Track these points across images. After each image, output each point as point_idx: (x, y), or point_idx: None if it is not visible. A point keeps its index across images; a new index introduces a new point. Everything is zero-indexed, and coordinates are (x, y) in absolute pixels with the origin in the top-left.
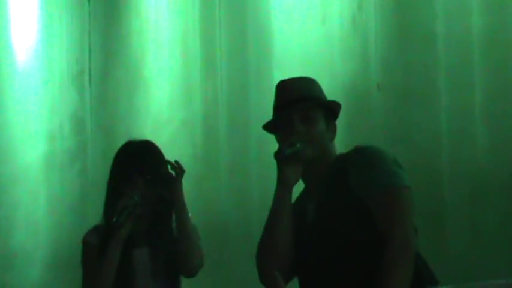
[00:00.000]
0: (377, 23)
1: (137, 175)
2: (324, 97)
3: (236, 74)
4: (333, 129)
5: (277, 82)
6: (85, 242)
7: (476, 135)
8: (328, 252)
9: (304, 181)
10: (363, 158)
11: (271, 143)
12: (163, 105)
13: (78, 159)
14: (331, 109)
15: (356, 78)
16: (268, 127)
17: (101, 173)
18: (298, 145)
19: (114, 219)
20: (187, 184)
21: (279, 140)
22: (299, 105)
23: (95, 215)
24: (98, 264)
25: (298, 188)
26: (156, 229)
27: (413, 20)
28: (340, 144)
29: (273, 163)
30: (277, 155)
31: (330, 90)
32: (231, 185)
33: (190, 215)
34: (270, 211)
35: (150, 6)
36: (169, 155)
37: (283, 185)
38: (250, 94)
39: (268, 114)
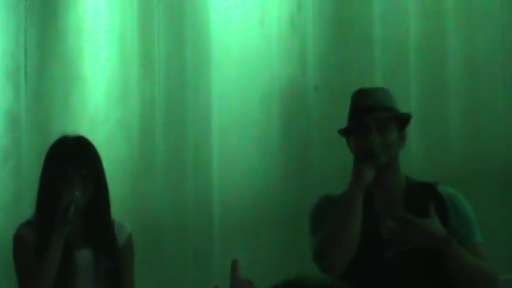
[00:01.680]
0: (315, 24)
1: (72, 170)
2: (398, 107)
3: (173, 74)
4: (403, 139)
5: (214, 82)
6: (18, 237)
7: (410, 138)
8: (410, 273)
9: (370, 188)
10: (464, 208)
11: (207, 144)
12: (100, 104)
13: (12, 157)
14: (404, 119)
15: (294, 80)
16: (342, 131)
17: (35, 171)
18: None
19: (61, 216)
20: (122, 182)
21: (351, 143)
22: (377, 113)
23: (28, 212)
24: (36, 262)
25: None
26: (96, 229)
27: (351, 22)
28: (277, 145)
29: (208, 163)
30: (368, 155)
31: (267, 91)
32: (166, 184)
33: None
34: (341, 209)
35: (88, 3)
36: (106, 154)
37: (358, 183)
38: (188, 94)
39: (204, 114)
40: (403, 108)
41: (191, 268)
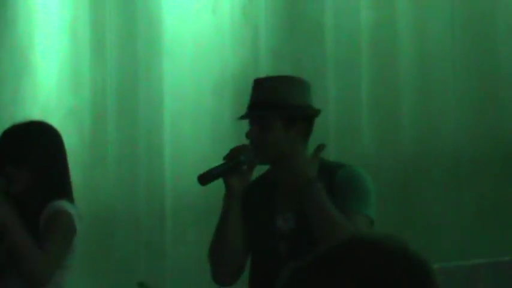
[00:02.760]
0: (267, 14)
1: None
2: (295, 98)
3: (125, 62)
4: (296, 132)
5: (166, 71)
6: None
7: (362, 126)
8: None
9: (276, 183)
10: (349, 183)
11: (159, 133)
12: (51, 91)
13: None
14: (296, 113)
15: (246, 69)
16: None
17: None
18: (241, 157)
19: None
20: (74, 172)
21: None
22: (253, 111)
23: None
24: None
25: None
26: (27, 217)
27: (303, 12)
28: (229, 134)
29: (161, 152)
30: (198, 178)
31: (220, 80)
32: (118, 173)
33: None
34: (220, 217)
35: None
36: None
37: (229, 193)
38: (140, 83)
39: (156, 103)
40: (356, 96)
41: (143, 258)
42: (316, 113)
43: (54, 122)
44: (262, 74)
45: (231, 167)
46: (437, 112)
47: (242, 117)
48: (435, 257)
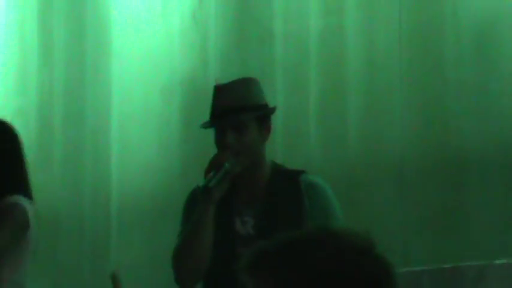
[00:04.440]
0: (217, 19)
1: None
2: (260, 98)
3: (73, 65)
4: (267, 130)
5: (114, 73)
6: None
7: (310, 131)
8: None
9: (236, 192)
10: (321, 197)
11: (106, 136)
12: None
13: None
14: (267, 112)
15: (195, 73)
16: (206, 125)
17: None
18: (226, 164)
19: None
20: None
21: (216, 143)
22: (229, 117)
23: None
24: None
25: None
26: None
27: (252, 17)
28: (177, 138)
29: (107, 155)
30: (204, 191)
31: (168, 84)
32: (64, 176)
33: None
34: (193, 222)
35: None
36: None
37: (209, 201)
38: (87, 85)
39: (104, 106)
40: (304, 102)
41: (88, 260)
42: (275, 109)
43: None
44: (211, 78)
45: (223, 176)
46: (384, 118)
47: (210, 125)
48: None
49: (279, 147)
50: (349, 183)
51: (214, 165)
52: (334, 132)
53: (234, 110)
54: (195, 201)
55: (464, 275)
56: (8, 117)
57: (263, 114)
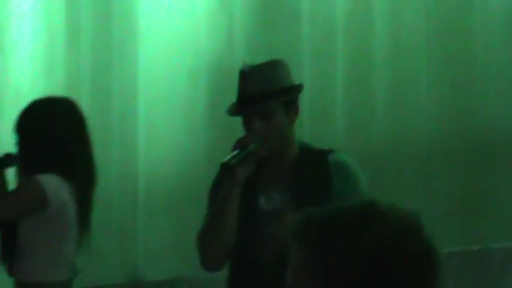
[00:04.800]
0: (243, 0)
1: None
2: (286, 81)
3: (100, 47)
4: (294, 112)
5: (140, 56)
6: None
7: (336, 113)
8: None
9: (263, 171)
10: (349, 176)
11: (133, 118)
12: (24, 75)
13: None
14: (294, 94)
15: (221, 56)
16: (232, 112)
17: None
18: (251, 146)
19: None
20: None
21: (244, 128)
22: (255, 104)
23: None
24: None
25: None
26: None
27: None
28: (203, 120)
29: (134, 138)
30: (223, 168)
31: (195, 66)
32: None
33: None
34: (218, 204)
35: None
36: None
37: (234, 182)
38: (114, 68)
39: (130, 88)
40: (330, 84)
41: (115, 241)
42: (301, 88)
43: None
44: (237, 62)
45: (246, 156)
46: (411, 101)
47: (238, 113)
48: None
49: (305, 130)
50: (376, 166)
51: (239, 146)
52: (361, 115)
53: (260, 96)
54: (221, 183)
55: (493, 257)
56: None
57: (289, 99)
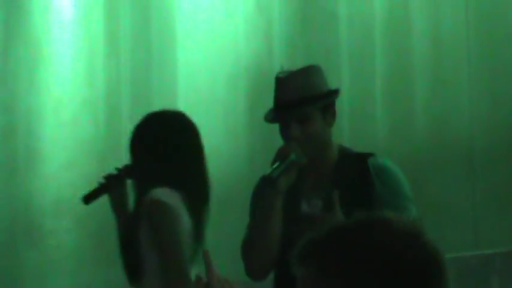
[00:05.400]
0: (281, 4)
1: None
2: (323, 86)
3: (139, 53)
4: (331, 116)
5: (180, 62)
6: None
7: (376, 114)
8: None
9: (304, 176)
10: (392, 181)
11: None
12: (65, 83)
13: None
14: (330, 99)
15: (260, 60)
16: (269, 118)
17: (0, 149)
18: (292, 155)
19: None
20: (89, 164)
21: (281, 135)
22: (292, 110)
23: None
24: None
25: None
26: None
27: (316, 2)
28: (243, 125)
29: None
30: (267, 181)
31: (234, 70)
32: None
33: None
34: (261, 214)
35: None
36: (71, 134)
37: (277, 191)
38: (153, 73)
39: (170, 94)
40: (370, 85)
41: None
42: (338, 93)
43: (68, 113)
44: (276, 65)
45: (288, 166)
46: (451, 100)
47: (275, 120)
48: (448, 246)
49: (346, 131)
50: (417, 165)
51: (280, 156)
52: (401, 115)
53: (296, 102)
54: (263, 194)
55: None
56: (75, 107)
57: (326, 104)
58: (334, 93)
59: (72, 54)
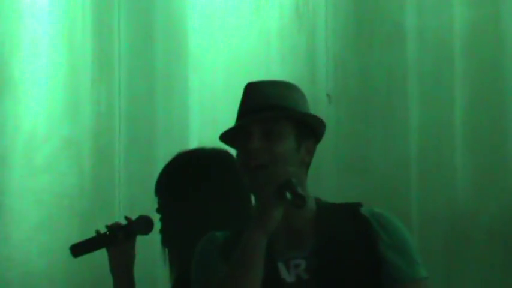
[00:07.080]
0: (328, 14)
1: None
2: (304, 109)
3: (139, 78)
4: (308, 152)
5: (193, 89)
6: None
7: (455, 161)
8: None
9: (277, 232)
10: (398, 231)
11: None
12: (40, 118)
13: None
14: (309, 125)
15: (300, 83)
16: (227, 138)
17: None
18: (293, 180)
19: None
20: (71, 224)
21: (237, 156)
22: (260, 115)
23: None
24: None
25: None
26: None
27: (376, 11)
28: None
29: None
30: (279, 196)
31: None
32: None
33: None
34: (242, 254)
35: None
36: (46, 185)
37: (265, 228)
38: (158, 103)
39: (181, 132)
40: (447, 118)
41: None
42: (323, 131)
43: (43, 156)
44: (321, 92)
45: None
46: None
47: (231, 130)
48: None
49: (413, 180)
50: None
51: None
52: (489, 160)
53: (265, 107)
54: (208, 251)
55: None
56: (53, 149)
57: (304, 126)
58: (314, 118)
59: (49, 75)
